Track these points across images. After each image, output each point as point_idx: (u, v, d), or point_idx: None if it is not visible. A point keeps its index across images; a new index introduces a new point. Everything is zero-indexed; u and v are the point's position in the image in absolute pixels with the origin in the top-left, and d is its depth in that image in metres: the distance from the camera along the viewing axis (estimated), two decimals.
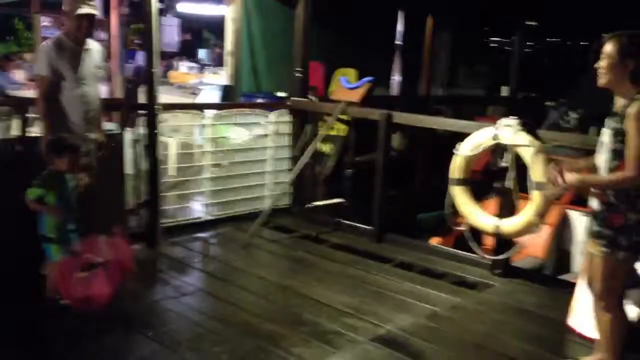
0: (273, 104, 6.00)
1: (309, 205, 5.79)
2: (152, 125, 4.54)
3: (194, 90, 9.26)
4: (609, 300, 2.81)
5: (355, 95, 5.22)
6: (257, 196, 5.66)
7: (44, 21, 11.71)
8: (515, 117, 4.10)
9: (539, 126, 4.92)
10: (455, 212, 6.39)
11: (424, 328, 3.49)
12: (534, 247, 5.17)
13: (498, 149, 4.14)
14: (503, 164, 4.11)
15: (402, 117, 4.97)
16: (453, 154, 8.47)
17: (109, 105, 4.65)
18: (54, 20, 12.05)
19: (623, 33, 2.66)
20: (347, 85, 5.35)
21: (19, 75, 9.28)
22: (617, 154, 2.61)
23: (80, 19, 3.83)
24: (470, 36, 10.19)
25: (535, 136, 4.00)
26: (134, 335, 3.31)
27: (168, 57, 12.95)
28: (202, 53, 12.48)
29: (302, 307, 3.70)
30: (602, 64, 2.66)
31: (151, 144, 4.59)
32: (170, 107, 5.01)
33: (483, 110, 9.57)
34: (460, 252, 4.76)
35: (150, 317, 3.54)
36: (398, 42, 9.27)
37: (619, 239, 2.66)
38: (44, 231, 3.52)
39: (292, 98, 5.73)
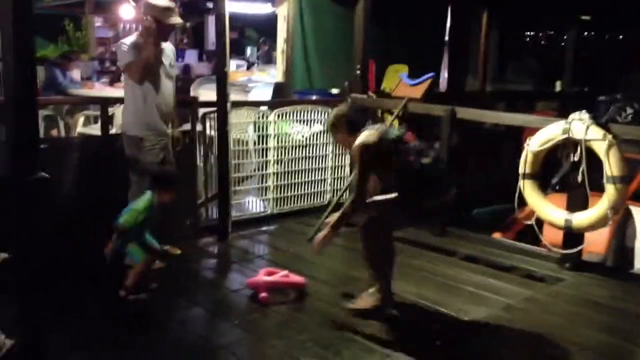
0: (334, 101, 6.09)
1: (368, 200, 5.85)
2: (223, 122, 4.69)
3: (244, 88, 9.42)
4: None
5: (418, 92, 5.28)
6: (318, 191, 5.79)
7: (97, 22, 12.12)
8: (586, 112, 4.10)
9: None
10: (518, 207, 6.45)
11: (500, 319, 3.55)
12: (595, 243, 5.16)
13: (568, 144, 4.16)
14: (574, 159, 4.12)
15: (466, 113, 5.01)
16: (501, 149, 8.48)
17: (180, 103, 4.82)
18: (106, 20, 12.47)
19: None
20: (409, 82, 5.42)
21: (77, 74, 9.58)
22: None
23: (170, 28, 4.02)
24: (519, 30, 10.17)
25: (607, 130, 4.01)
26: (219, 322, 3.46)
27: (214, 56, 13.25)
28: (249, 51, 12.69)
29: None
30: None
31: (222, 140, 4.73)
32: (240, 104, 5.16)
33: (533, 105, 9.51)
34: (526, 245, 4.79)
35: (232, 305, 3.68)
36: (446, 37, 9.32)
37: None
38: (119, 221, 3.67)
39: (352, 95, 5.82)
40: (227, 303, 3.71)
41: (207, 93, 8.91)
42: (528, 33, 11.09)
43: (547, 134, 4.23)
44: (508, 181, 8.39)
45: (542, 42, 11.38)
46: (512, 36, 9.59)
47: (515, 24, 9.30)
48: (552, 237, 5.43)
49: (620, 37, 10.80)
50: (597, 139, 3.95)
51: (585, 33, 10.09)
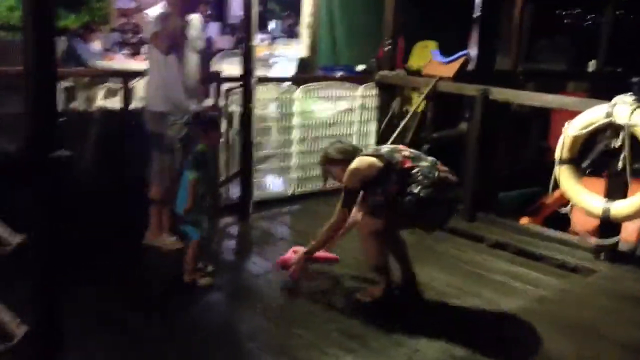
0: (361, 78, 5.90)
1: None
2: (248, 98, 4.53)
3: (267, 62, 9.22)
4: None
5: (450, 70, 5.07)
6: None
7: None
8: (633, 94, 3.88)
9: None
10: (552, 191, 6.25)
11: (534, 312, 3.40)
12: (626, 231, 4.96)
13: (609, 128, 3.94)
14: (615, 145, 3.91)
15: (500, 93, 4.79)
16: (528, 131, 8.20)
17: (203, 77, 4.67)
18: None
19: None
20: (441, 60, 5.20)
21: (97, 45, 9.45)
22: None
23: (195, 2, 3.86)
24: (551, 7, 9.79)
25: None
26: (241, 308, 3.35)
27: (237, 29, 13.02)
28: (272, 25, 12.45)
29: None
30: None
31: (246, 116, 4.58)
32: (265, 80, 4.99)
33: (564, 86, 9.20)
34: (558, 232, 4.61)
35: (255, 291, 3.56)
36: (476, 13, 9.00)
37: None
38: (182, 211, 3.52)
39: (380, 72, 5.62)
40: (249, 288, 3.59)
41: (229, 67, 8.76)
42: (562, 10, 10.67)
43: (588, 117, 4.01)
44: (535, 164, 8.23)
45: (577, 20, 10.95)
46: (545, 13, 9.20)
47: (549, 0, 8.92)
48: (581, 224, 5.25)
49: None
50: None
51: (623, 11, 9.67)
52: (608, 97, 4.01)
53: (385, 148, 3.41)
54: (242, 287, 3.62)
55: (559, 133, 9.01)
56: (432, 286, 3.65)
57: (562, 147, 4.13)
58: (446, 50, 6.41)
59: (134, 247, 3.96)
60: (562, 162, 4.14)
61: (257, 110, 4.77)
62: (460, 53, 5.17)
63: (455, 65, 5.07)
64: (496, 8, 8.99)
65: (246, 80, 4.52)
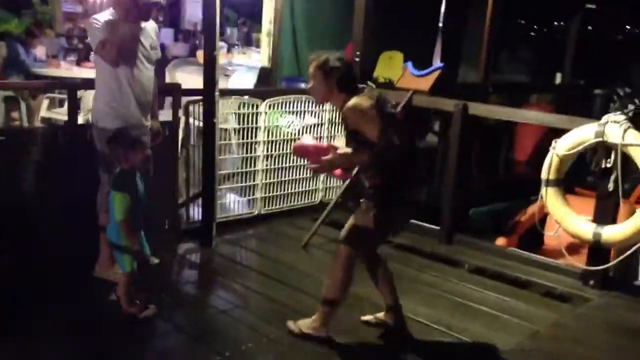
0: None
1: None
2: (210, 112, 4.13)
3: (224, 72, 8.79)
4: None
5: (425, 84, 4.79)
6: (309, 189, 5.27)
7: None
8: (623, 113, 3.68)
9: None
10: (516, 210, 6.03)
11: (528, 351, 3.11)
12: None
13: (601, 148, 3.72)
14: (606, 164, 3.69)
15: (480, 109, 4.54)
16: (502, 145, 8.04)
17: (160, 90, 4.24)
18: None
19: None
20: (415, 72, 4.92)
21: (41, 51, 8.83)
22: None
23: (148, 7, 3.44)
24: (513, 19, 9.73)
25: None
26: (207, 354, 2.92)
27: (192, 36, 12.54)
28: (228, 32, 12.01)
29: None
30: None
31: (209, 132, 4.17)
32: (228, 92, 4.60)
33: (526, 98, 9.11)
34: (541, 257, 4.37)
35: (221, 332, 3.14)
36: (440, 23, 8.84)
37: None
38: (114, 238, 3.13)
39: None
40: (214, 328, 3.17)
41: (183, 76, 8.30)
42: (525, 21, 10.65)
43: (576, 136, 3.78)
44: (504, 177, 8.05)
45: (540, 32, 10.95)
46: (509, 25, 9.11)
47: (508, 11, 8.81)
48: (551, 242, 5.04)
49: (627, 28, 10.46)
50: (636, 143, 3.51)
51: (589, 24, 9.71)
52: (573, 110, 3.79)
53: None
54: (206, 326, 3.19)
55: (525, 145, 8.93)
56: (416, 321, 3.32)
57: (549, 168, 3.88)
58: (414, 60, 6.16)
59: (81, 280, 3.50)
60: (549, 183, 3.90)
61: (219, 125, 4.38)
62: (436, 66, 4.92)
63: (431, 79, 4.80)
64: (461, 18, 8.85)
65: (209, 93, 4.11)
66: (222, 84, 7.29)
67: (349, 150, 2.96)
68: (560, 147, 3.82)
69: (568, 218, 3.86)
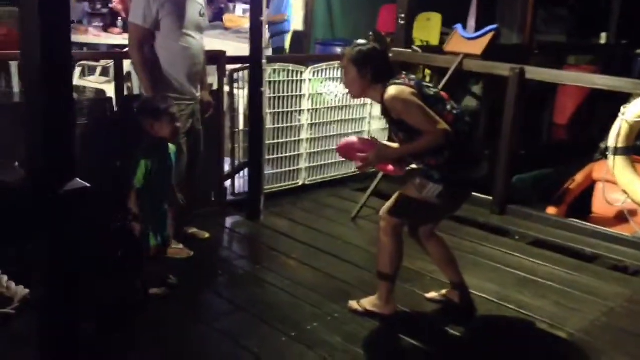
0: None
1: (409, 168, 5.23)
2: (257, 81, 3.95)
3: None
4: None
5: (477, 47, 4.54)
6: None
7: None
8: None
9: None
10: (560, 177, 5.82)
11: (608, 330, 2.97)
12: None
13: None
14: None
15: (537, 73, 4.32)
16: (546, 107, 7.74)
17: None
18: None
19: None
20: (466, 35, 4.67)
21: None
22: None
23: None
24: None
25: None
26: (272, 333, 2.82)
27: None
28: None
29: None
30: None
31: (256, 102, 4.01)
32: (274, 60, 4.41)
33: (564, 59, 8.77)
34: (603, 229, 4.19)
35: (283, 309, 3.04)
36: None
37: None
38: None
39: (393, 49, 5.06)
40: (276, 307, 3.05)
41: (210, 42, 8.08)
42: None
43: None
44: (548, 144, 7.80)
45: None
46: None
47: None
48: (600, 211, 4.86)
49: None
50: None
51: None
52: (615, 72, 3.54)
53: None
54: (267, 305, 3.07)
55: (565, 108, 8.62)
56: (484, 299, 3.19)
57: (617, 135, 3.68)
58: (449, 20, 5.90)
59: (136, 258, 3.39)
60: (618, 151, 3.70)
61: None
62: (489, 27, 4.65)
63: (484, 41, 4.55)
64: None
65: (256, 60, 3.93)
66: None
67: (395, 145, 2.83)
68: (631, 114, 3.61)
69: (636, 186, 3.67)
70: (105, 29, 8.94)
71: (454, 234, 4.08)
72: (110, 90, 5.17)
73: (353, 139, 3.04)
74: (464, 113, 2.77)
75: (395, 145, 2.86)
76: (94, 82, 6.66)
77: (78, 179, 1.45)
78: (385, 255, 2.86)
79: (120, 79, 3.64)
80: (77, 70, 6.48)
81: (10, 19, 10.03)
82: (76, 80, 6.48)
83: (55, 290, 1.52)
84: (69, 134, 1.49)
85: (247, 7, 10.40)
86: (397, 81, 2.67)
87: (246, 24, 9.65)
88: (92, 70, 6.84)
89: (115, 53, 4.64)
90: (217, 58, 4.05)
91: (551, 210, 5.11)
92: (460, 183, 2.78)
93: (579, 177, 5.48)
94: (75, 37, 7.57)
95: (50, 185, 1.42)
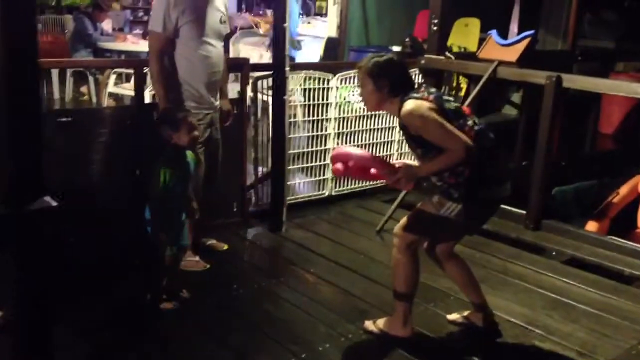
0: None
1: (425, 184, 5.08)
2: (281, 88, 3.87)
3: (296, 44, 8.50)
4: None
5: (513, 54, 4.34)
6: None
7: None
8: None
9: None
10: (604, 190, 5.53)
11: None
12: None
13: None
14: None
15: (575, 81, 4.09)
16: (591, 115, 7.40)
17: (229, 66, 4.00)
18: None
19: None
20: (501, 42, 4.47)
21: (108, 24, 8.80)
22: None
23: None
24: None
25: None
26: (282, 352, 2.72)
27: (256, 5, 12.30)
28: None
29: None
30: None
31: (279, 110, 3.92)
32: (299, 67, 4.32)
33: (612, 66, 8.39)
34: None
35: (296, 329, 2.93)
36: None
37: None
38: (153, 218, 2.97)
39: (426, 55, 4.91)
40: (289, 325, 2.95)
41: (246, 49, 8.08)
42: None
43: None
44: (592, 154, 7.46)
45: None
46: None
47: None
48: None
49: None
50: None
51: None
52: None
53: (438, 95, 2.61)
54: (280, 323, 2.97)
55: (611, 116, 8.24)
56: (509, 322, 3.01)
57: None
58: (487, 26, 5.69)
59: (150, 267, 3.35)
60: None
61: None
62: (525, 34, 4.44)
63: (519, 48, 4.34)
64: None
65: (279, 68, 3.85)
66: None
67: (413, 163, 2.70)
68: None
69: None
70: (144, 36, 9.06)
71: (483, 250, 3.91)
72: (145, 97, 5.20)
73: (360, 152, 2.84)
74: (487, 129, 2.61)
75: (413, 163, 2.73)
76: (128, 89, 6.71)
77: (47, 197, 1.37)
78: (401, 274, 2.72)
79: (141, 87, 3.60)
80: (113, 78, 6.55)
81: (56, 27, 10.33)
82: (111, 88, 6.56)
83: (24, 313, 1.45)
84: (36, 149, 1.41)
85: None
86: (415, 95, 2.54)
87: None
88: (128, 78, 6.91)
89: (133, 61, 4.63)
90: (240, 65, 3.98)
91: (592, 224, 4.84)
92: (481, 203, 2.62)
93: (624, 189, 5.18)
94: (114, 45, 7.71)
95: (16, 203, 1.35)
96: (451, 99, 2.71)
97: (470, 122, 2.56)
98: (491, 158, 2.58)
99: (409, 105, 2.50)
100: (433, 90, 2.62)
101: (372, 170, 2.66)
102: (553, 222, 4.32)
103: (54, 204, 1.37)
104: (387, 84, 2.57)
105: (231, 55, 7.42)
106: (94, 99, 7.35)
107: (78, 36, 7.76)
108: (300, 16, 10.79)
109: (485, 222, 2.87)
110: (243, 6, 11.97)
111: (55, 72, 7.44)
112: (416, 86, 2.65)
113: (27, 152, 1.40)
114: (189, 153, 3.07)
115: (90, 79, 7.46)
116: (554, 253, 3.94)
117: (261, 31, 9.24)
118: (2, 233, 1.36)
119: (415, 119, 2.49)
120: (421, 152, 2.60)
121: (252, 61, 4.24)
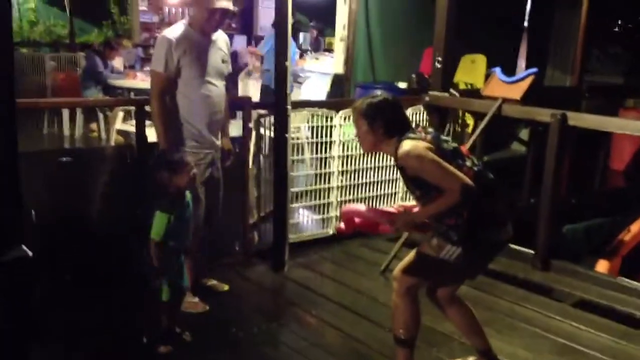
0: (406, 99, 5.18)
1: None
2: (282, 127, 3.85)
3: (295, 78, 8.58)
4: None
5: (517, 91, 4.31)
6: (384, 208, 4.90)
7: (142, 6, 11.46)
8: None
9: None
10: (616, 227, 5.42)
11: None
12: None
13: None
14: None
15: (581, 119, 4.03)
16: (601, 151, 7.33)
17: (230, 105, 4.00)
18: (151, 4, 11.82)
19: None
20: (505, 79, 4.45)
21: (119, 62, 8.92)
22: None
23: (213, 12, 3.21)
24: (606, 13, 8.97)
25: None
26: None
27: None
28: (302, 37, 11.81)
29: None
30: None
31: (280, 149, 3.90)
32: (301, 105, 4.32)
33: (621, 102, 8.33)
34: None
35: None
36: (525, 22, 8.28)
37: None
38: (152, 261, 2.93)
39: (430, 92, 4.89)
40: None
41: (256, 85, 8.13)
42: (617, 17, 9.79)
43: None
44: (602, 191, 7.36)
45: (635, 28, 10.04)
46: (600, 21, 8.35)
47: (601, 4, 8.07)
48: None
49: None
50: None
51: None
52: None
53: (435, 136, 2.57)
54: None
55: (622, 152, 8.14)
56: None
57: None
58: (495, 62, 5.69)
59: (150, 308, 3.29)
60: None
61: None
62: (528, 71, 4.41)
63: (523, 86, 4.31)
64: (549, 16, 8.25)
65: (280, 106, 3.84)
66: (295, 91, 7.10)
67: (412, 205, 2.67)
68: None
69: None
70: None
71: (490, 292, 3.81)
72: (151, 135, 5.23)
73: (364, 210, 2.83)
74: (486, 169, 2.56)
75: (412, 206, 2.68)
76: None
77: (23, 247, 1.33)
78: (400, 318, 2.65)
79: (142, 125, 3.60)
80: (121, 115, 6.59)
81: (69, 64, 10.51)
82: (119, 125, 6.60)
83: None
84: (13, 198, 1.38)
85: (294, 50, 10.52)
86: (412, 135, 2.50)
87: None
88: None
89: (134, 99, 4.66)
90: (242, 104, 3.98)
91: (603, 263, 4.73)
92: (481, 246, 2.55)
93: (635, 227, 5.07)
94: (124, 82, 7.79)
95: None
96: (449, 139, 2.67)
97: (469, 163, 2.51)
98: (490, 199, 2.52)
99: (406, 146, 2.45)
100: (431, 130, 2.59)
101: (379, 226, 2.66)
102: (562, 263, 4.21)
103: (29, 253, 1.33)
104: (381, 125, 2.53)
105: (240, 90, 7.48)
106: (103, 136, 7.40)
107: (89, 74, 7.87)
108: (309, 52, 10.91)
109: (486, 266, 2.80)
110: (253, 43, 12.12)
111: (65, 110, 7.53)
112: (414, 126, 2.62)
113: (2, 199, 1.37)
114: (187, 193, 3.04)
115: (100, 116, 7.53)
116: (565, 294, 3.83)
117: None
118: None
119: (412, 160, 2.44)
120: (420, 194, 2.55)
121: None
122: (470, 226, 2.46)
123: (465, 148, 2.64)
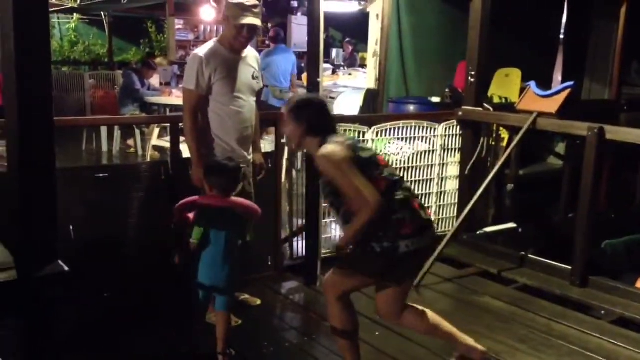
0: (441, 114, 5.16)
1: (480, 232, 4.94)
2: None
3: (329, 94, 8.63)
4: None
5: (552, 105, 4.25)
6: None
7: (178, 24, 11.70)
8: None
9: None
10: None
11: None
12: None
13: None
14: None
15: (619, 133, 3.95)
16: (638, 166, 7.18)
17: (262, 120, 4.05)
18: (187, 23, 12.06)
19: None
20: (540, 92, 4.39)
21: (155, 80, 9.13)
22: None
23: (240, 29, 3.27)
24: None
25: None
26: None
27: (298, 58, 12.55)
28: (334, 53, 11.90)
29: None
30: None
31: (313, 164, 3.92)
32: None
33: None
34: None
35: None
36: (561, 35, 8.16)
37: None
38: (203, 279, 2.96)
39: (463, 107, 4.86)
40: None
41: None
42: None
43: None
44: None
45: None
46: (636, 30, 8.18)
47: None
48: None
49: None
50: None
51: None
52: None
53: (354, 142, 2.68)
54: None
55: None
56: None
57: None
58: (528, 77, 5.61)
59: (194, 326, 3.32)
60: None
61: None
62: (564, 85, 4.35)
63: (559, 99, 4.25)
64: (585, 28, 8.11)
65: None
66: (330, 106, 7.13)
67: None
68: None
69: None
70: None
71: (526, 308, 3.74)
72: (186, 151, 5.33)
73: None
74: (400, 180, 2.64)
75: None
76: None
77: (60, 262, 1.37)
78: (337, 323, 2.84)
79: (176, 142, 3.67)
80: (156, 131, 6.74)
81: (107, 83, 10.79)
82: (155, 141, 6.74)
83: None
84: (49, 214, 1.42)
85: (325, 65, 10.62)
86: (334, 139, 2.59)
87: (324, 81, 9.83)
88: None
89: (169, 117, 4.75)
90: (274, 120, 4.02)
91: None
92: (403, 256, 2.57)
93: None
94: (160, 99, 7.97)
95: (29, 268, 1.36)
96: (368, 147, 2.76)
97: (386, 173, 2.59)
98: (404, 209, 2.56)
99: (324, 148, 2.55)
100: (351, 137, 2.71)
101: None
102: (600, 279, 4.11)
103: (65, 268, 1.37)
104: (304, 123, 2.64)
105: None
106: (140, 152, 7.56)
107: (126, 91, 8.07)
108: (342, 67, 10.96)
109: (413, 275, 2.96)
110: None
111: (104, 127, 7.73)
112: (339, 133, 2.74)
113: (39, 214, 1.41)
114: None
115: (137, 132, 7.71)
116: (602, 312, 3.73)
117: (304, 83, 9.40)
118: (13, 297, 1.36)
119: (327, 164, 2.53)
120: (332, 200, 2.66)
121: None
122: (387, 237, 2.53)
123: (382, 157, 2.71)
